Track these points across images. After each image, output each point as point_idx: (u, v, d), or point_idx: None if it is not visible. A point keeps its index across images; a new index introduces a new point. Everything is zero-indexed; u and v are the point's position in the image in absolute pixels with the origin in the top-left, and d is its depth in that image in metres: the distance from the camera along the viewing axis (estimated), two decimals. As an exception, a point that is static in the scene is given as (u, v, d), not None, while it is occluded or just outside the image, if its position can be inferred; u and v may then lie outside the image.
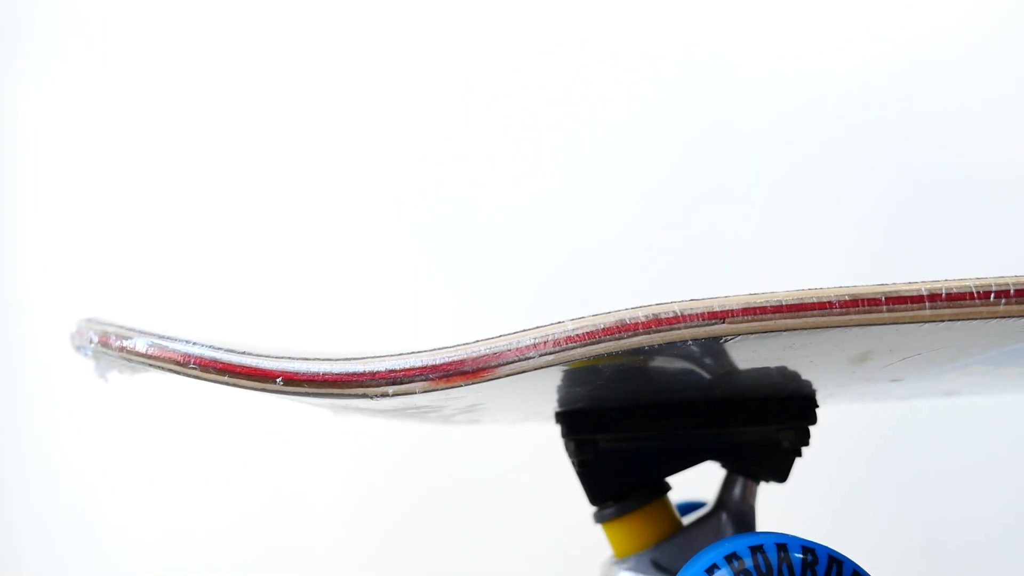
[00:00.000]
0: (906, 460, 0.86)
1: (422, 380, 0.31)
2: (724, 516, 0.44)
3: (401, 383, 0.31)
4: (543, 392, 0.40)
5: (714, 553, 0.31)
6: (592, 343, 0.31)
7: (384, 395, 0.31)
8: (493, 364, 0.31)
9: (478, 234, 0.90)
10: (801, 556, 0.31)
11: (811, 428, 0.42)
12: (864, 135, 0.88)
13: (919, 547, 0.86)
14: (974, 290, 0.31)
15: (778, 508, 0.84)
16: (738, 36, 0.90)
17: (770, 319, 0.31)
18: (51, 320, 0.87)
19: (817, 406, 0.42)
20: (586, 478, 0.43)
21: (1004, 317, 0.31)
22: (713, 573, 0.31)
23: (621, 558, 0.44)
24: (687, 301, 0.32)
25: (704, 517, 0.44)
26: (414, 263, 0.89)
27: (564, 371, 0.35)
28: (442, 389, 0.31)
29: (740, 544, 0.31)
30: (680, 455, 0.44)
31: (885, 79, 0.89)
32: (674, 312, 0.32)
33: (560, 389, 0.40)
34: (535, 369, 0.31)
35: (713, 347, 0.34)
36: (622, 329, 0.31)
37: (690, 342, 0.32)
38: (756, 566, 0.31)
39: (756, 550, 0.31)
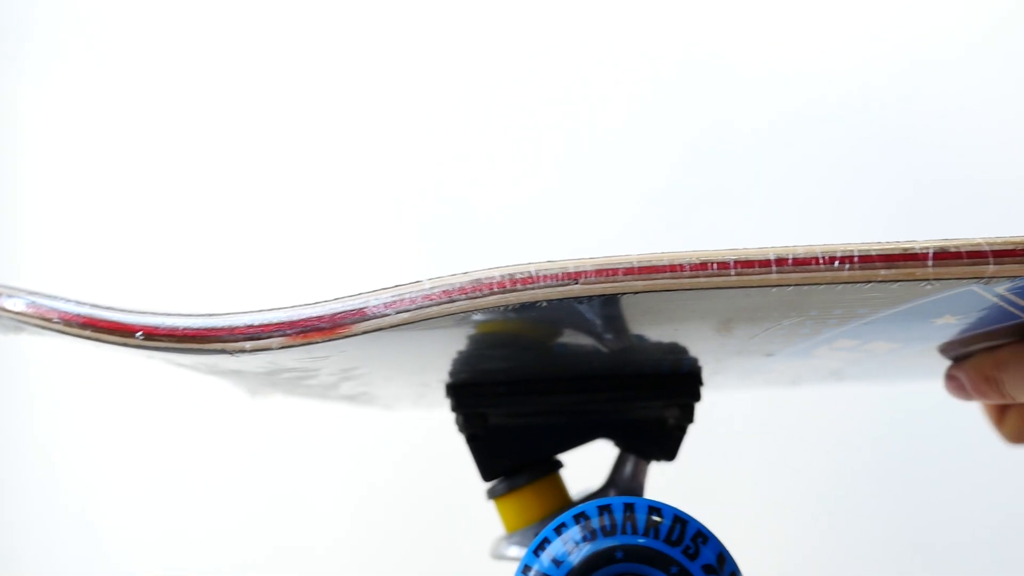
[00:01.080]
0: (904, 461, 0.86)
1: (280, 336, 0.32)
2: (612, 493, 0.44)
3: (259, 338, 0.32)
4: (430, 365, 0.41)
5: (566, 514, 0.32)
6: (447, 302, 0.32)
7: (242, 351, 0.32)
8: (349, 321, 0.32)
9: (478, 234, 0.90)
10: (646, 515, 0.32)
11: (696, 405, 0.43)
12: (864, 135, 0.89)
13: (913, 548, 0.87)
14: (820, 255, 0.32)
15: (778, 509, 0.86)
16: (738, 36, 0.90)
17: (622, 281, 0.32)
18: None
19: (701, 383, 0.43)
20: (477, 453, 0.44)
21: (847, 283, 0.31)
22: (561, 532, 0.32)
23: (510, 533, 0.44)
24: (543, 262, 0.33)
25: (593, 494, 0.45)
26: (414, 263, 0.90)
27: (447, 338, 0.36)
28: (300, 345, 0.32)
29: (590, 505, 0.32)
30: (571, 432, 0.44)
31: (885, 79, 0.89)
32: (529, 272, 0.32)
33: (447, 361, 0.41)
34: (392, 327, 0.32)
35: (581, 315, 0.35)
36: (477, 288, 0.32)
37: (544, 303, 0.32)
38: (602, 525, 0.32)
39: (604, 509, 0.32)
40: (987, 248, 0.31)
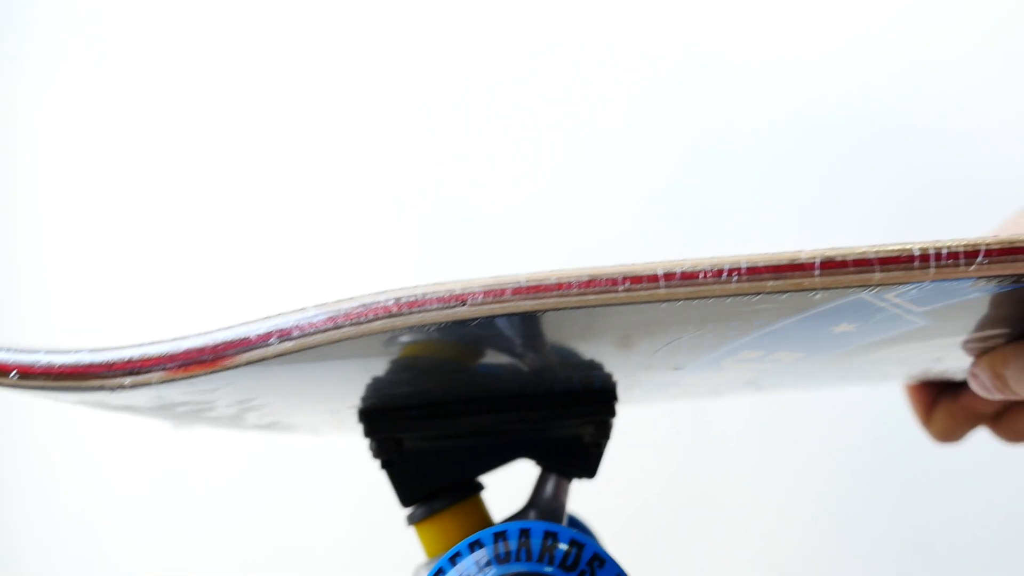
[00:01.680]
0: (904, 462, 0.86)
1: (160, 370, 0.31)
2: (532, 514, 0.44)
3: (139, 373, 0.31)
4: (333, 392, 0.40)
5: (462, 543, 0.31)
6: (332, 328, 0.31)
7: (121, 387, 0.31)
8: (232, 352, 0.31)
9: (478, 234, 0.89)
10: (541, 541, 0.31)
11: (612, 421, 0.43)
12: (864, 135, 0.89)
13: (914, 549, 0.87)
14: (707, 268, 0.31)
15: (778, 510, 0.87)
16: (738, 36, 0.90)
17: (509, 301, 0.31)
18: (51, 320, 0.89)
19: (616, 399, 0.43)
20: (393, 479, 0.43)
21: (736, 295, 0.31)
22: (456, 561, 0.31)
23: (430, 559, 0.44)
24: (431, 285, 0.32)
25: (512, 516, 0.44)
26: (414, 263, 0.90)
27: (348, 365, 0.36)
28: (182, 379, 0.31)
29: (486, 533, 0.31)
30: (490, 453, 0.44)
31: (885, 79, 0.89)
32: (415, 296, 0.32)
33: (355, 386, 0.40)
34: (277, 356, 0.31)
35: (484, 335, 0.34)
36: (363, 314, 0.32)
37: (433, 327, 0.32)
38: (496, 553, 0.31)
39: (499, 536, 0.31)
40: (873, 256, 0.31)
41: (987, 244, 0.31)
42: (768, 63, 0.90)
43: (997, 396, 0.41)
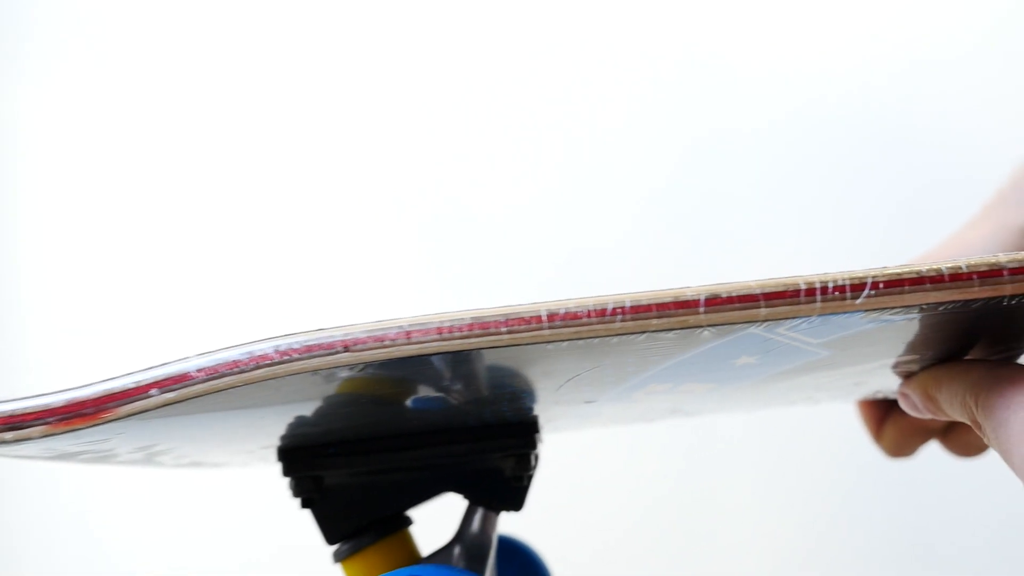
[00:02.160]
0: (905, 463, 0.86)
1: (41, 424, 0.31)
2: (458, 549, 0.43)
3: (20, 428, 0.31)
4: (241, 435, 0.40)
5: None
6: (214, 378, 0.31)
7: (3, 442, 0.31)
8: (112, 405, 0.31)
9: (478, 234, 0.89)
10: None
11: (532, 454, 0.42)
12: (864, 136, 0.89)
13: (914, 549, 0.87)
14: (591, 308, 0.31)
15: (779, 512, 0.87)
16: (738, 37, 0.90)
17: (391, 346, 0.31)
18: (51, 320, 0.89)
19: (536, 431, 0.42)
20: (316, 517, 0.43)
21: (621, 334, 0.31)
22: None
23: (356, 596, 0.43)
24: (314, 331, 0.32)
25: (439, 551, 0.44)
26: (414, 264, 0.90)
27: (251, 409, 0.35)
28: (64, 433, 0.31)
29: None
30: (414, 488, 0.43)
31: (885, 80, 0.89)
32: (296, 343, 0.31)
33: (269, 427, 0.40)
34: (160, 407, 0.31)
35: (386, 374, 0.34)
36: (247, 362, 0.31)
37: (316, 374, 0.31)
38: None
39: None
40: (758, 291, 0.31)
41: (873, 276, 0.31)
42: (768, 64, 0.90)
43: (928, 416, 0.41)
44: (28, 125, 0.93)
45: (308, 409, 0.37)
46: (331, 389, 0.35)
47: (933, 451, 0.88)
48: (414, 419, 0.41)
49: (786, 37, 0.90)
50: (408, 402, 0.38)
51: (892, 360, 0.37)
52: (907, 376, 0.41)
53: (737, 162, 0.89)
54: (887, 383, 0.43)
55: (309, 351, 0.31)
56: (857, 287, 0.30)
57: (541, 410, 0.41)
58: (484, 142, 0.91)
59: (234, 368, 0.31)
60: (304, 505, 0.42)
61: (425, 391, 0.37)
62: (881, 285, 0.30)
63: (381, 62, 0.92)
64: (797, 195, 0.89)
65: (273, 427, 0.39)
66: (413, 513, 0.44)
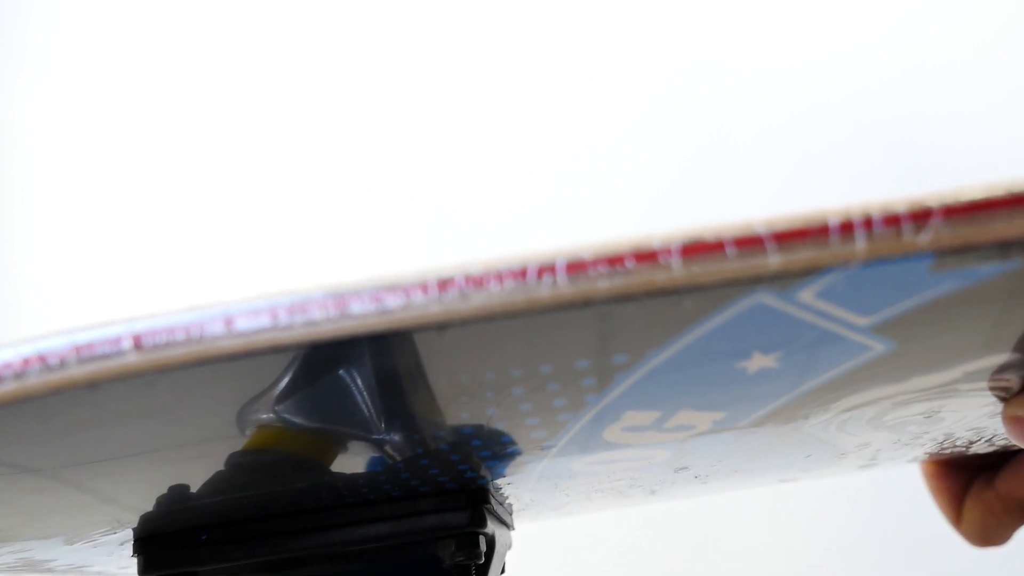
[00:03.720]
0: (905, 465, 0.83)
1: None
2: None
3: None
4: (95, 514, 0.29)
5: None
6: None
7: None
8: None
9: (478, 235, 0.88)
10: None
11: (481, 536, 0.31)
12: (866, 137, 0.86)
13: (919, 555, 0.81)
14: (504, 269, 0.20)
15: (779, 513, 0.82)
16: (738, 37, 0.89)
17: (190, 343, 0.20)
18: (50, 319, 0.83)
19: (486, 503, 0.31)
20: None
21: (554, 309, 0.20)
22: None
23: None
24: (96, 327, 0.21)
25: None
26: (413, 264, 0.85)
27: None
28: None
29: None
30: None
31: (887, 83, 0.87)
32: (62, 345, 0.21)
33: (120, 506, 0.29)
34: None
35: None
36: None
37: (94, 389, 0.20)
38: None
39: None
40: (765, 232, 0.19)
41: (945, 200, 0.19)
42: (768, 65, 0.88)
43: None
44: (28, 125, 0.93)
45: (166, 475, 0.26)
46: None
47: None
48: (308, 488, 0.30)
49: (786, 39, 0.88)
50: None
51: (986, 362, 0.25)
52: (1008, 398, 0.29)
53: (738, 166, 0.87)
54: (975, 419, 0.31)
55: (77, 353, 0.20)
56: (919, 216, 0.19)
57: (490, 472, 0.30)
58: (484, 142, 0.90)
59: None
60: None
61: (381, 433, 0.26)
62: (958, 213, 0.19)
63: (381, 62, 0.90)
64: (799, 199, 0.84)
65: (106, 513, 0.28)
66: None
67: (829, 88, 0.87)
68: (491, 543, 0.32)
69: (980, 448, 0.38)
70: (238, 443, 0.26)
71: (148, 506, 0.29)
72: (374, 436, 0.27)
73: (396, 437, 0.27)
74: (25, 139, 0.93)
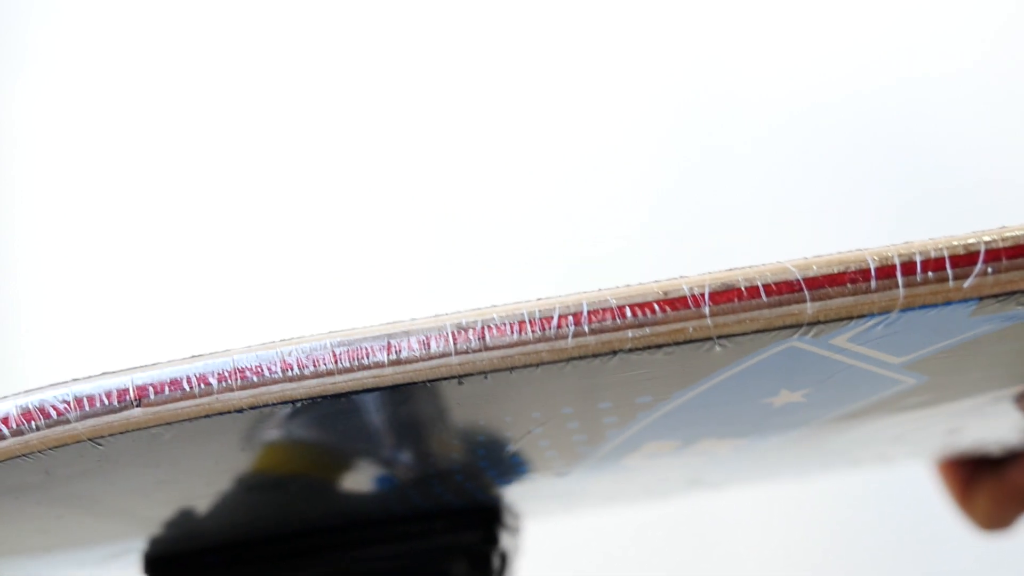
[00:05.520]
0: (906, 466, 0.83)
1: None
2: None
3: None
4: (109, 531, 0.28)
5: None
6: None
7: None
8: None
9: (478, 237, 0.87)
10: None
11: (497, 551, 0.30)
12: (867, 138, 0.85)
13: (921, 554, 0.81)
14: (525, 317, 0.19)
15: (780, 514, 0.81)
16: (738, 38, 0.87)
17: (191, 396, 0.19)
18: (51, 319, 0.88)
19: (498, 521, 0.30)
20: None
21: (577, 358, 0.19)
22: None
23: None
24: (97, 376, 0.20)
25: None
26: (413, 264, 0.87)
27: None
28: None
29: None
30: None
31: (888, 85, 0.86)
32: (55, 398, 0.20)
33: (138, 521, 0.28)
34: None
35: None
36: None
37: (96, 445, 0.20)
38: None
39: None
40: (799, 276, 0.19)
41: (989, 242, 0.19)
42: (769, 67, 0.86)
43: None
44: (28, 125, 0.92)
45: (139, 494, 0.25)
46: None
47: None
48: (316, 509, 0.29)
49: (787, 41, 0.87)
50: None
51: (1017, 388, 0.25)
52: None
53: (739, 169, 0.85)
54: (993, 429, 0.30)
55: (79, 407, 0.19)
56: (963, 260, 0.18)
57: (504, 489, 0.29)
58: (484, 142, 0.88)
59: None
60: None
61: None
62: (1004, 256, 0.18)
63: (381, 62, 0.89)
64: (800, 202, 0.85)
65: (110, 529, 0.27)
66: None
67: (830, 89, 0.86)
68: (504, 559, 0.31)
69: (996, 449, 0.37)
70: (248, 465, 0.25)
71: (155, 530, 0.29)
72: (385, 458, 0.26)
73: (408, 462, 0.26)
74: (25, 139, 0.92)
